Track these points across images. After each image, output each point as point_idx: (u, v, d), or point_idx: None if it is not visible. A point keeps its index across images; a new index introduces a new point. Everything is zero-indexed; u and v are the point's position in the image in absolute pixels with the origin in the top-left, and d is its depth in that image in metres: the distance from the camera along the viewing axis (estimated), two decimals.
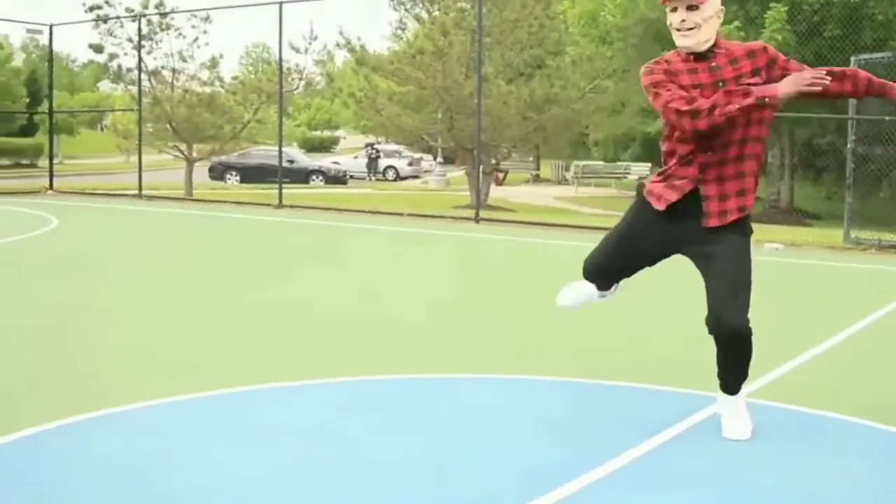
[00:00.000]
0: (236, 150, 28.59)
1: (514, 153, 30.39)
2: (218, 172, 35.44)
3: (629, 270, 4.42)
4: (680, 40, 4.03)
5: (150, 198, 20.21)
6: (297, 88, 23.80)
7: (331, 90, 23.46)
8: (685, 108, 3.84)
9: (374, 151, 43.29)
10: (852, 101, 13.70)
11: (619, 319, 6.81)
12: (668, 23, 4.07)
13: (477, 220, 16.23)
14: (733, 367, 4.16)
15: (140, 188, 20.42)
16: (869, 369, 5.80)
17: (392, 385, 5.08)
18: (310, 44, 21.75)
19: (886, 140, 13.60)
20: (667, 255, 4.31)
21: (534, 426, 4.35)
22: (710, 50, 4.05)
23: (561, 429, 4.33)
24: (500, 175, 38.45)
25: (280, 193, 18.61)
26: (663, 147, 4.17)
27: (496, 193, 29.48)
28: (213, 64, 23.21)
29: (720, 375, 4.23)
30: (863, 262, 11.78)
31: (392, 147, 45.10)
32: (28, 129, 46.28)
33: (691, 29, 3.98)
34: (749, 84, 3.93)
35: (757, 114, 3.94)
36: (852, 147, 13.61)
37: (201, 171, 30.25)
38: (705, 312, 4.00)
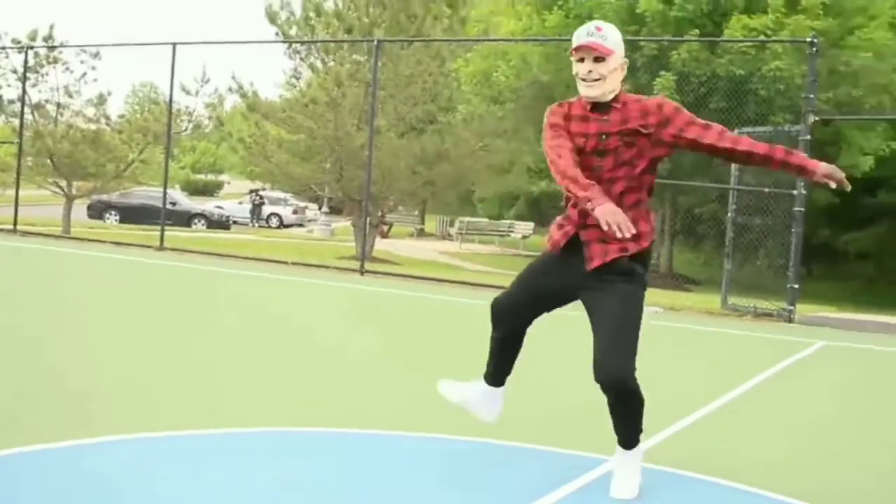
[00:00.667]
0: (118, 190, 27.99)
1: (401, 207, 30.43)
2: (97, 211, 34.67)
3: (533, 311, 4.36)
4: (585, 90, 4.12)
5: (26, 233, 19.60)
6: (185, 130, 23.46)
7: (219, 134, 23.16)
8: (553, 158, 4.05)
9: (258, 198, 42.96)
10: (734, 173, 14.16)
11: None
12: (574, 72, 4.15)
13: (362, 272, 16.16)
14: (623, 418, 4.19)
15: (15, 223, 19.79)
16: (743, 434, 5.91)
17: (273, 437, 4.96)
18: (201, 86, 21.51)
19: (765, 211, 14.03)
20: (565, 301, 4.34)
21: (422, 484, 4.30)
22: (610, 104, 4.15)
23: (447, 488, 4.28)
24: (385, 227, 38.48)
25: (162, 235, 18.24)
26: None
27: (381, 246, 29.43)
28: (101, 101, 22.70)
29: (614, 428, 4.25)
30: (739, 328, 12.07)
31: (277, 194, 44.82)
32: None
33: (597, 80, 4.08)
34: (624, 155, 4.10)
35: (629, 169, 4.12)
36: (732, 216, 14.02)
37: (79, 208, 29.54)
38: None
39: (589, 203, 3.83)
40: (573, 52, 4.11)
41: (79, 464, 4.23)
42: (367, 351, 8.13)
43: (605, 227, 3.74)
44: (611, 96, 4.13)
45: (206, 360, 7.06)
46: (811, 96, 13.30)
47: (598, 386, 4.03)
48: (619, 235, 3.72)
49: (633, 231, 3.74)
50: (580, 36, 4.10)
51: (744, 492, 4.51)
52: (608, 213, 3.74)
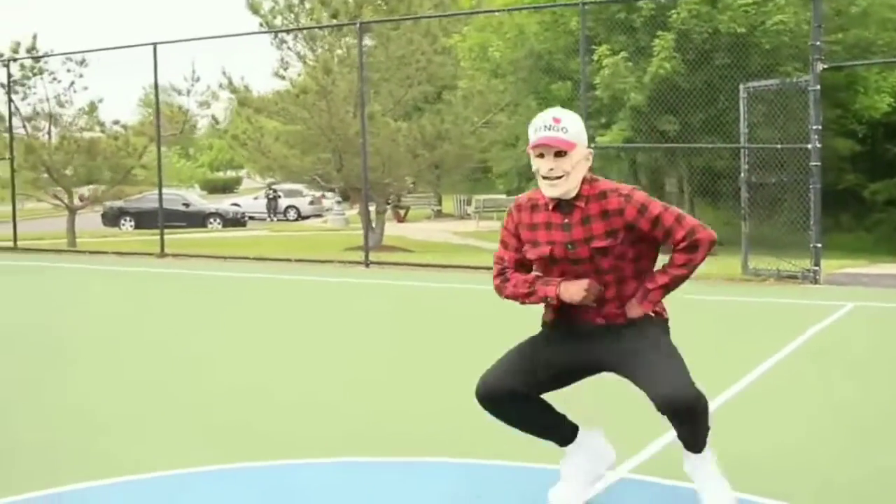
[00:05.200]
0: (129, 196, 27.61)
1: (415, 189, 29.84)
2: (110, 218, 34.28)
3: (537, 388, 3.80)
4: (547, 190, 3.67)
5: (26, 250, 19.14)
6: (182, 131, 22.87)
7: (218, 132, 22.58)
8: (495, 282, 3.87)
9: (272, 192, 42.47)
10: (743, 130, 13.46)
11: None
12: (533, 168, 3.68)
13: (367, 264, 15.57)
14: (698, 426, 3.65)
15: (15, 239, 19.31)
16: (758, 426, 5.29)
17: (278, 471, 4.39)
18: (192, 85, 20.94)
19: (780, 168, 13.31)
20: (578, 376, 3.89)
21: None
22: (572, 202, 3.68)
23: None
24: (401, 212, 37.85)
25: (162, 241, 17.70)
26: None
27: (395, 231, 28.89)
28: (92, 109, 22.18)
29: (684, 439, 3.72)
30: (761, 295, 11.40)
31: (292, 186, 44.30)
32: None
33: (559, 177, 3.62)
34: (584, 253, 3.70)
35: (616, 266, 3.72)
36: (745, 176, 13.31)
37: (90, 217, 29.28)
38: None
39: (548, 299, 3.68)
40: (531, 147, 3.66)
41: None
42: (367, 362, 7.57)
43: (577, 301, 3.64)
44: (573, 193, 3.66)
45: (205, 386, 6.50)
46: (817, 43, 12.56)
47: None
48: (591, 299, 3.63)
49: (599, 287, 3.64)
50: (537, 129, 3.64)
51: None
52: (567, 294, 3.65)
